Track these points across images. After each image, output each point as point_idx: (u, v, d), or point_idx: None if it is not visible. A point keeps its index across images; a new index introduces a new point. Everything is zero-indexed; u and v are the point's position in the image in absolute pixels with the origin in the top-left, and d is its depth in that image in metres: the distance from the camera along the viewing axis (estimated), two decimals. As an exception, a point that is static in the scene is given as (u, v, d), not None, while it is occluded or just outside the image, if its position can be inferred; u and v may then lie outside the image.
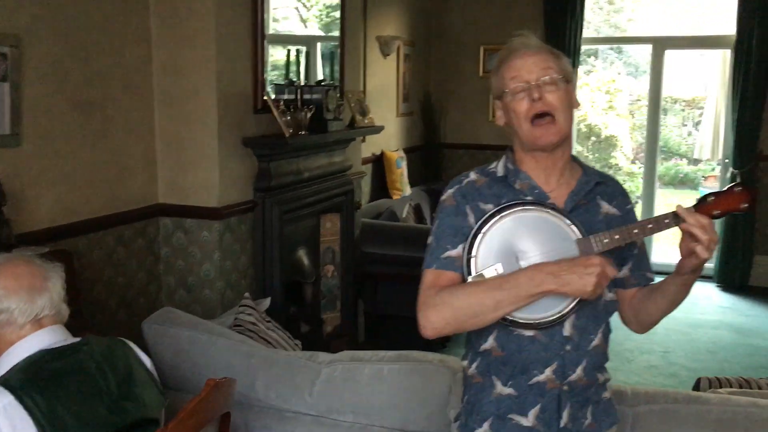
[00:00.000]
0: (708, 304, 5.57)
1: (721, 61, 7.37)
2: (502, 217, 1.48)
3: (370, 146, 5.25)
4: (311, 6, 4.18)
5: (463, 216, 1.54)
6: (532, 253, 1.45)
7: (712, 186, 10.74)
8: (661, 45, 6.27)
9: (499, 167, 1.61)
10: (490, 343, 1.55)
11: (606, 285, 1.42)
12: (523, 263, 1.45)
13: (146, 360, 1.83)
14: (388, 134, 5.42)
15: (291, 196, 3.59)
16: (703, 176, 11.52)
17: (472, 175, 1.61)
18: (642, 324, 1.63)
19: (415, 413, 2.05)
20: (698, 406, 1.84)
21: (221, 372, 2.15)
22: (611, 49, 12.25)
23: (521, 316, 1.46)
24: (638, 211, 8.49)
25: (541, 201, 1.51)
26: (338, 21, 4.22)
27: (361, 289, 4.55)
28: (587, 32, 6.19)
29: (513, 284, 1.41)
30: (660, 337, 4.74)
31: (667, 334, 4.81)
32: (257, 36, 3.34)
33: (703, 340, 4.77)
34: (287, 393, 2.14)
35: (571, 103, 1.56)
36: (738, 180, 5.80)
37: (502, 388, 1.55)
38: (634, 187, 10.07)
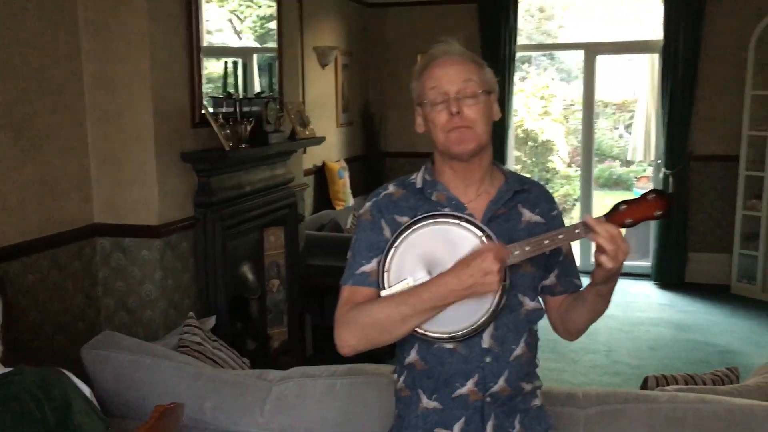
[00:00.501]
0: (647, 302, 5.72)
1: (649, 65, 7.62)
2: (414, 230, 1.46)
3: (312, 157, 5.21)
4: (245, 18, 4.12)
5: (379, 230, 1.53)
6: (443, 266, 1.43)
7: (645, 186, 11.09)
8: (592, 51, 6.44)
9: (417, 178, 1.59)
10: (413, 356, 1.55)
11: (503, 265, 1.39)
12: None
13: (85, 388, 1.75)
14: (329, 145, 5.39)
15: (233, 210, 3.52)
16: (635, 177, 11.88)
17: (390, 188, 1.59)
18: (569, 331, 1.63)
19: (370, 427, 2.03)
20: (648, 404, 1.87)
21: (167, 396, 2.08)
22: (543, 55, 12.55)
23: (432, 329, 1.46)
24: (576, 213, 8.67)
25: (456, 212, 1.48)
26: (273, 32, 4.18)
27: (307, 302, 4.49)
28: (520, 39, 6.32)
29: (417, 298, 1.40)
30: (603, 337, 4.84)
31: (610, 333, 4.92)
32: (193, 48, 3.27)
33: (645, 338, 4.89)
34: (237, 414, 2.08)
35: (491, 115, 1.54)
36: (670, 180, 6.00)
37: (427, 402, 1.55)
38: (571, 189, 10.32)
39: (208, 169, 3.30)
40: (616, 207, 1.43)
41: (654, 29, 6.85)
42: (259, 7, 4.12)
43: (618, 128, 12.95)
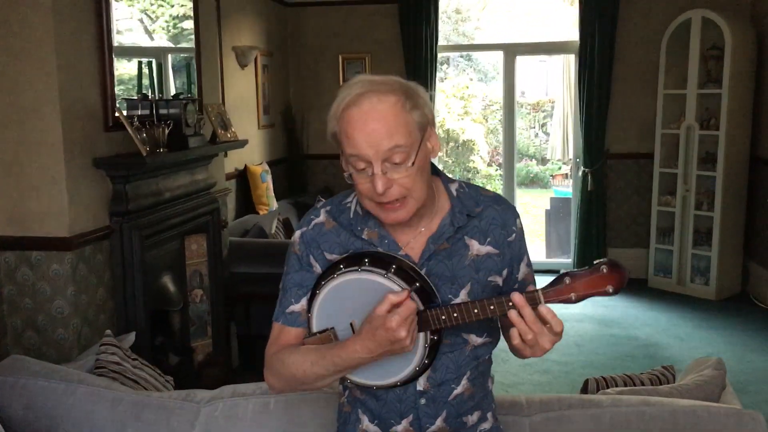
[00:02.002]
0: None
1: (565, 65, 7.80)
2: (338, 275, 1.34)
3: (233, 161, 5.03)
4: (156, 18, 3.92)
5: (308, 267, 1.43)
6: (363, 319, 1.32)
7: (561, 184, 11.39)
8: (512, 51, 6.51)
9: (352, 205, 1.43)
10: (351, 381, 1.45)
11: (413, 322, 1.26)
12: (357, 328, 1.34)
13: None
14: (250, 148, 5.22)
15: (152, 219, 3.33)
16: (551, 175, 12.20)
17: (322, 215, 1.45)
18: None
19: (308, 447, 1.92)
20: (592, 409, 1.84)
21: (84, 425, 1.92)
22: (461, 56, 12.71)
23: (359, 380, 1.39)
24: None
25: (389, 256, 1.34)
26: (187, 32, 4.00)
27: (232, 311, 4.33)
28: (439, 41, 6.32)
29: (329, 361, 1.32)
30: (531, 335, 4.87)
31: (538, 330, 4.95)
32: (104, 47, 3.07)
33: (570, 334, 4.96)
34: (163, 440, 1.94)
35: (427, 163, 1.34)
36: (589, 178, 6.14)
37: (368, 425, 1.47)
38: (492, 188, 10.47)
39: (123, 175, 3.10)
40: (559, 279, 1.25)
41: (570, 31, 7.00)
42: (172, 6, 3.94)
43: (534, 128, 13.27)
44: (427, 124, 1.34)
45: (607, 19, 5.93)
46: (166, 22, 3.98)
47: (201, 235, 3.91)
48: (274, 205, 5.42)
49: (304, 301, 1.42)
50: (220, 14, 4.83)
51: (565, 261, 6.64)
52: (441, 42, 6.52)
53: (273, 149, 6.05)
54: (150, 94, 3.40)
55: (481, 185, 1.56)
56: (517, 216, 1.46)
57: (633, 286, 6.02)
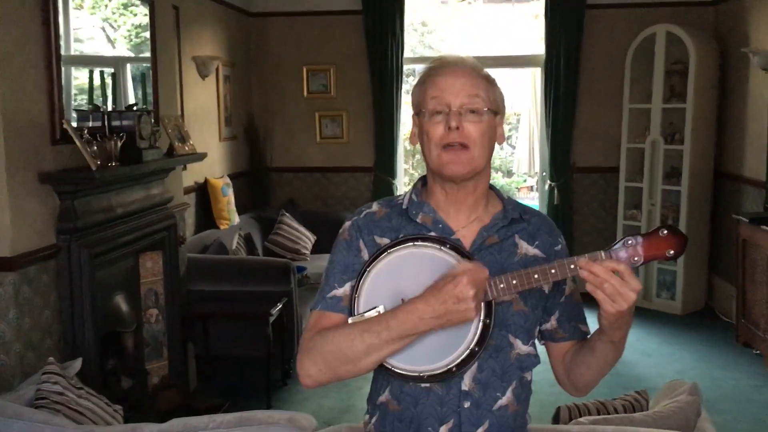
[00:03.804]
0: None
1: (531, 79, 7.79)
2: (391, 253, 1.32)
3: (192, 174, 4.87)
4: (119, 26, 3.78)
5: (356, 251, 1.39)
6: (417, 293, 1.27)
7: (526, 197, 11.41)
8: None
9: (405, 198, 1.45)
10: (386, 395, 1.38)
11: (483, 289, 1.24)
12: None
13: None
14: (211, 160, 5.08)
15: (103, 236, 3.16)
16: (516, 188, 12.21)
17: (374, 206, 1.46)
18: (576, 386, 1.44)
19: (263, 486, 1.79)
20: (565, 442, 1.74)
21: (18, 466, 1.76)
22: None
23: (401, 366, 1.29)
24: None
25: (442, 237, 1.34)
26: (149, 41, 3.85)
27: (190, 331, 4.16)
28: (405, 53, 6.24)
29: (383, 325, 1.25)
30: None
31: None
32: (52, 57, 2.91)
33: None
34: (106, 481, 1.79)
35: (494, 137, 1.40)
36: (555, 192, 6.10)
37: None
38: (458, 201, 10.44)
39: (71, 191, 2.94)
40: (623, 241, 1.27)
41: (536, 45, 7.00)
42: (135, 15, 3.80)
43: (499, 140, 13.29)
44: (500, 109, 1.41)
45: (572, 33, 5.92)
46: (128, 31, 3.85)
47: (156, 252, 3.75)
48: (236, 219, 5.27)
49: (348, 286, 1.36)
50: (180, 23, 4.69)
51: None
52: (407, 54, 6.45)
53: (235, 162, 5.90)
54: (103, 105, 3.25)
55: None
56: (561, 233, 1.50)
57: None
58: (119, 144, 3.16)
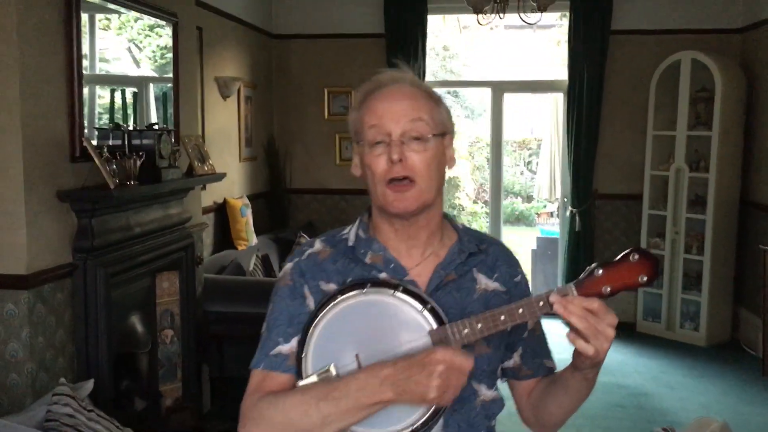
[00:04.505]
0: (557, 342, 5.62)
1: (553, 104, 7.74)
2: (339, 302, 1.18)
3: (211, 194, 4.86)
4: (144, 47, 3.80)
5: (301, 299, 1.25)
6: (375, 351, 1.15)
7: (546, 222, 11.30)
8: (500, 89, 6.43)
9: (350, 234, 1.32)
10: None
11: (461, 383, 1.11)
12: (366, 363, 1.15)
13: None
14: (230, 181, 5.07)
15: (119, 255, 3.14)
16: (536, 213, 12.12)
17: (317, 245, 1.31)
18: (544, 425, 1.35)
19: None
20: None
21: (23, 491, 1.71)
22: (449, 92, 12.69)
23: (360, 430, 1.16)
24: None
25: (394, 281, 1.21)
26: (173, 62, 3.86)
27: (205, 352, 4.11)
28: (426, 77, 6.22)
29: (342, 393, 1.11)
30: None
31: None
32: (73, 75, 2.91)
33: (558, 381, 4.78)
34: None
35: (443, 162, 1.27)
36: (577, 219, 6.02)
37: None
38: (477, 226, 10.36)
39: (89, 209, 2.92)
40: (590, 271, 1.16)
41: (558, 69, 6.95)
42: (159, 36, 3.82)
43: (519, 165, 13.24)
44: (448, 127, 1.29)
45: (596, 58, 5.87)
46: (153, 51, 3.87)
47: (173, 272, 3.71)
48: (254, 240, 5.24)
49: (294, 342, 1.22)
50: (203, 44, 4.71)
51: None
52: (428, 78, 6.43)
53: (254, 183, 5.89)
54: (124, 124, 3.24)
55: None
56: (519, 263, 1.41)
57: (621, 330, 5.73)
58: (138, 163, 3.14)
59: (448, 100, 12.82)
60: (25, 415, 2.24)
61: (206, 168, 3.97)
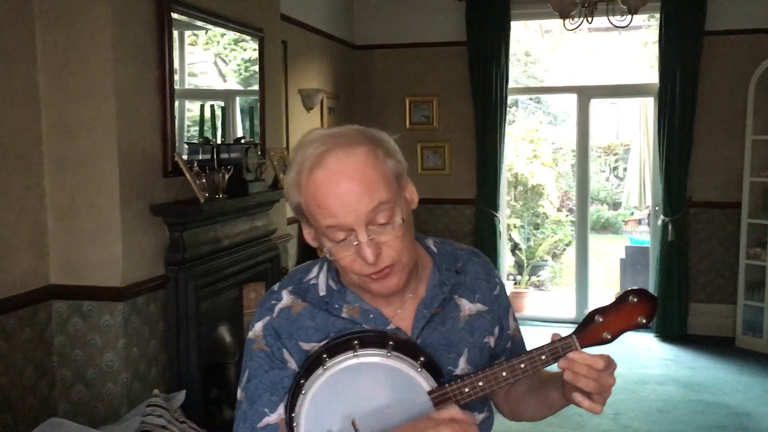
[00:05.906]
0: (650, 357, 5.41)
1: (642, 109, 7.46)
2: (327, 369, 1.09)
3: (296, 205, 4.90)
4: (230, 61, 3.89)
5: (281, 364, 1.16)
6: (373, 416, 1.09)
7: (634, 230, 10.91)
8: (586, 94, 6.25)
9: (320, 282, 1.20)
10: None
11: None
12: (364, 430, 1.09)
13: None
14: (314, 192, 5.09)
15: (209, 267, 3.20)
16: (623, 221, 11.72)
17: (285, 298, 1.20)
18: (516, 417, 1.35)
19: None
20: None
21: (120, 504, 1.74)
22: (531, 99, 12.46)
23: None
24: (571, 257, 8.32)
25: (382, 335, 1.13)
26: (257, 75, 3.92)
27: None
28: (509, 83, 6.12)
29: None
30: (609, 398, 4.50)
31: (615, 392, 4.52)
32: (166, 91, 2.99)
33: (652, 398, 4.57)
34: None
35: (410, 219, 1.15)
36: (669, 228, 5.76)
37: None
38: (562, 234, 10.10)
39: (180, 222, 2.99)
40: (590, 319, 1.13)
41: (645, 73, 6.69)
42: (245, 50, 3.89)
43: (604, 171, 12.85)
44: (402, 172, 1.17)
45: (688, 60, 5.61)
46: (238, 65, 3.95)
47: (260, 283, 3.76)
48: (337, 250, 5.26)
49: (281, 409, 1.14)
50: (287, 57, 4.77)
51: (643, 315, 6.21)
52: (511, 84, 6.32)
53: (337, 193, 5.92)
54: (212, 138, 3.31)
55: (455, 241, 1.37)
56: (494, 267, 1.35)
57: (719, 345, 5.57)
58: (226, 176, 3.20)
59: (530, 106, 12.60)
60: (120, 424, 2.30)
61: (291, 180, 4.00)
